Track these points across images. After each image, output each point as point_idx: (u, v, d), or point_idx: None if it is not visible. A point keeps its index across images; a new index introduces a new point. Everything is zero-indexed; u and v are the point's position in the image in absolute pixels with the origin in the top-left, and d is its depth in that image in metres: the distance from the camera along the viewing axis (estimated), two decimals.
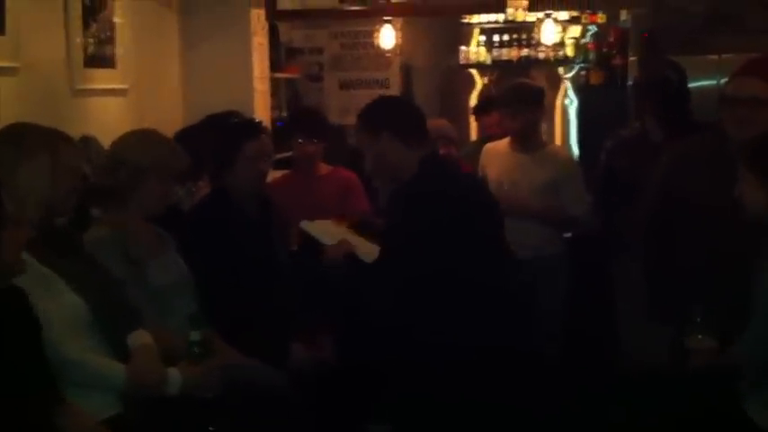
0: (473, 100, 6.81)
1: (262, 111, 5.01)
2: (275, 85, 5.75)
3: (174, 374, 2.38)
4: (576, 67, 6.96)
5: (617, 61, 6.69)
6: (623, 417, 3.12)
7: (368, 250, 3.04)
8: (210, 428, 2.37)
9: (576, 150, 6.62)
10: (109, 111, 4.22)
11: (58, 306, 2.31)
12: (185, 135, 3.80)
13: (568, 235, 4.13)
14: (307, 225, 3.42)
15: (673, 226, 2.99)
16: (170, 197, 2.84)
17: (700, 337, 2.48)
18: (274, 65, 5.58)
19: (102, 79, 4.20)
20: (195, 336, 2.42)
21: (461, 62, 7.13)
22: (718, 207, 2.79)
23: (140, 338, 2.41)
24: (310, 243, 3.62)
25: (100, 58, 4.18)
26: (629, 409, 2.98)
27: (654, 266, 3.10)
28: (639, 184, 3.37)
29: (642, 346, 3.15)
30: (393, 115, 2.89)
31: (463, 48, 7.12)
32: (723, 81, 4.29)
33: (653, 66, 3.76)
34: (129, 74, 4.38)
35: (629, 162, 3.72)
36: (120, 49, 4.30)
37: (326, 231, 3.31)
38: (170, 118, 4.66)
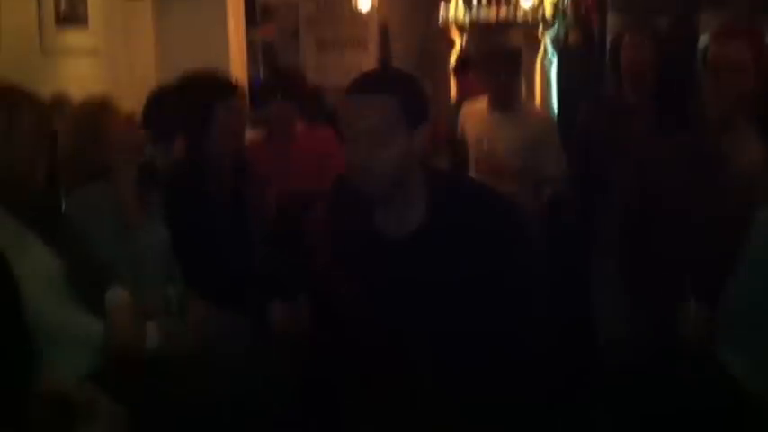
0: (452, 60, 6.77)
1: (238, 70, 4.97)
2: (251, 44, 5.69)
3: (152, 331, 2.38)
4: (555, 27, 6.93)
5: (595, 24, 6.67)
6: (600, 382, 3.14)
7: None
8: (192, 384, 2.37)
9: (555, 110, 6.62)
10: (81, 70, 4.17)
11: (34, 263, 2.28)
12: (159, 95, 3.75)
13: (547, 195, 4.13)
14: None
15: (650, 192, 2.97)
16: (142, 142, 2.81)
17: (692, 306, 2.47)
18: (250, 23, 5.51)
19: (73, 38, 4.14)
20: (172, 292, 2.42)
21: (440, 22, 7.08)
22: (697, 171, 2.79)
23: (117, 296, 2.40)
24: (289, 207, 3.60)
25: (71, 17, 4.11)
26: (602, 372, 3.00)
27: (630, 236, 3.08)
28: (614, 145, 3.37)
29: (618, 311, 3.14)
30: (424, 101, 2.16)
31: (442, 7, 7.07)
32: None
33: (688, 25, 3.70)
34: (101, 33, 4.31)
35: (604, 123, 3.72)
36: (92, 8, 4.23)
37: None
38: (143, 77, 4.60)
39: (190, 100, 3.21)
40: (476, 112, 4.12)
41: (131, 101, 2.83)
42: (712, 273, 2.46)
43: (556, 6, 6.86)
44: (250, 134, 4.26)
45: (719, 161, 2.54)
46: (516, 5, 6.80)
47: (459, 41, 7.20)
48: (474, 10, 6.96)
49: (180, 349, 2.40)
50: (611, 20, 6.10)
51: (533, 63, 6.90)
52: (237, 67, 5.02)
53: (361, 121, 2.05)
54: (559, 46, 6.93)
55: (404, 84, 2.14)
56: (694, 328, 2.48)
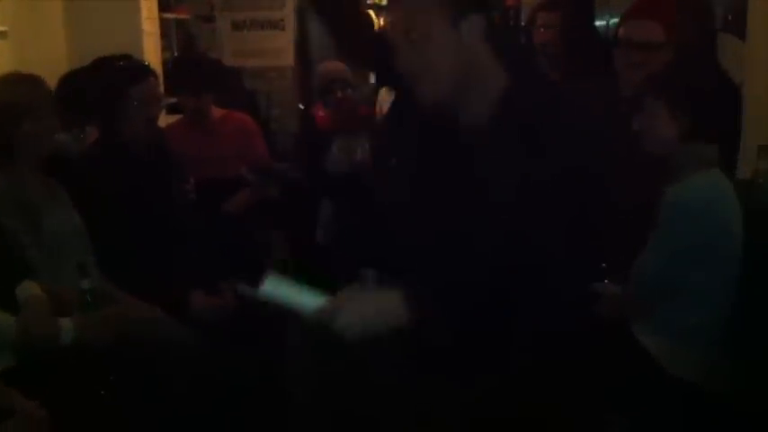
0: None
1: (151, 53, 4.85)
2: (165, 27, 5.57)
3: (67, 325, 2.32)
4: None
5: (510, 2, 6.73)
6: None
7: None
8: (111, 378, 2.33)
9: None
10: None
11: None
12: (71, 79, 3.65)
13: None
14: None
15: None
16: (54, 134, 2.73)
17: (606, 282, 2.52)
18: (163, 5, 5.39)
19: None
20: (86, 284, 2.36)
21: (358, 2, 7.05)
22: (611, 149, 2.83)
23: (29, 289, 2.34)
24: (209, 190, 3.56)
25: None
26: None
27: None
28: None
29: None
30: None
31: None
32: (613, 21, 4.36)
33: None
34: (7, 15, 4.17)
35: None
36: None
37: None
38: (53, 61, 4.46)
39: (102, 84, 3.14)
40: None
41: None
42: (625, 252, 2.51)
43: None
44: (169, 118, 4.19)
45: (630, 140, 2.59)
46: None
47: (377, 22, 7.18)
48: None
49: (96, 343, 2.34)
50: (526, 1, 6.16)
51: None
52: (151, 50, 4.91)
53: (400, 22, 1.81)
54: None
55: None
56: (608, 307, 2.53)
